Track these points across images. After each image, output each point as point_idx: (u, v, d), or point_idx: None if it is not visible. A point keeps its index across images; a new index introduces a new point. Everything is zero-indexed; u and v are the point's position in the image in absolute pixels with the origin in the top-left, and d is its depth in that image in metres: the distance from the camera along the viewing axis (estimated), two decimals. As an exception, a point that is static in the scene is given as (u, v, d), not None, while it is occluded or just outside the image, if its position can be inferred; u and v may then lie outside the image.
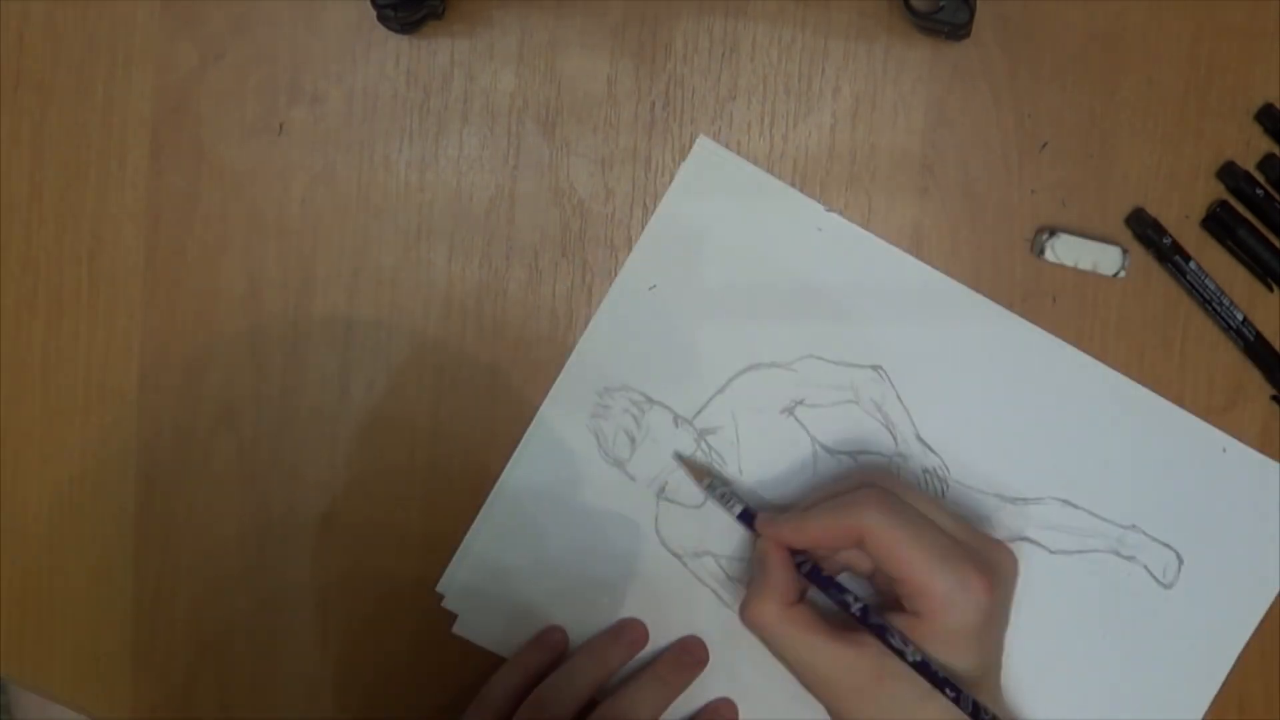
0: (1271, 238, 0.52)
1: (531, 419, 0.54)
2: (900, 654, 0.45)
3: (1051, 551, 0.53)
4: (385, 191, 0.54)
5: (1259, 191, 0.52)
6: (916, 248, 0.53)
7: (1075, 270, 0.52)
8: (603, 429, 0.53)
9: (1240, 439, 0.53)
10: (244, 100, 0.54)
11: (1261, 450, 0.53)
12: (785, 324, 0.53)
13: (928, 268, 0.53)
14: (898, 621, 0.46)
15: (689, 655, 0.53)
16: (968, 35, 0.51)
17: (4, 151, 0.54)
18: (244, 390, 0.54)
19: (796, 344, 0.53)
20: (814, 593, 0.49)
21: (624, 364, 0.53)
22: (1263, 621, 0.53)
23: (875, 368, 0.53)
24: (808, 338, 0.53)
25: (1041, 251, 0.52)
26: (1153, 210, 0.52)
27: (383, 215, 0.54)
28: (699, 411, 0.53)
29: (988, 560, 0.47)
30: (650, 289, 0.53)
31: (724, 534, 0.52)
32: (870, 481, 0.49)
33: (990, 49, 0.52)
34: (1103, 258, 0.52)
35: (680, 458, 0.53)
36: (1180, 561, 0.53)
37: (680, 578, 0.53)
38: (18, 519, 0.55)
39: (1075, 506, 0.53)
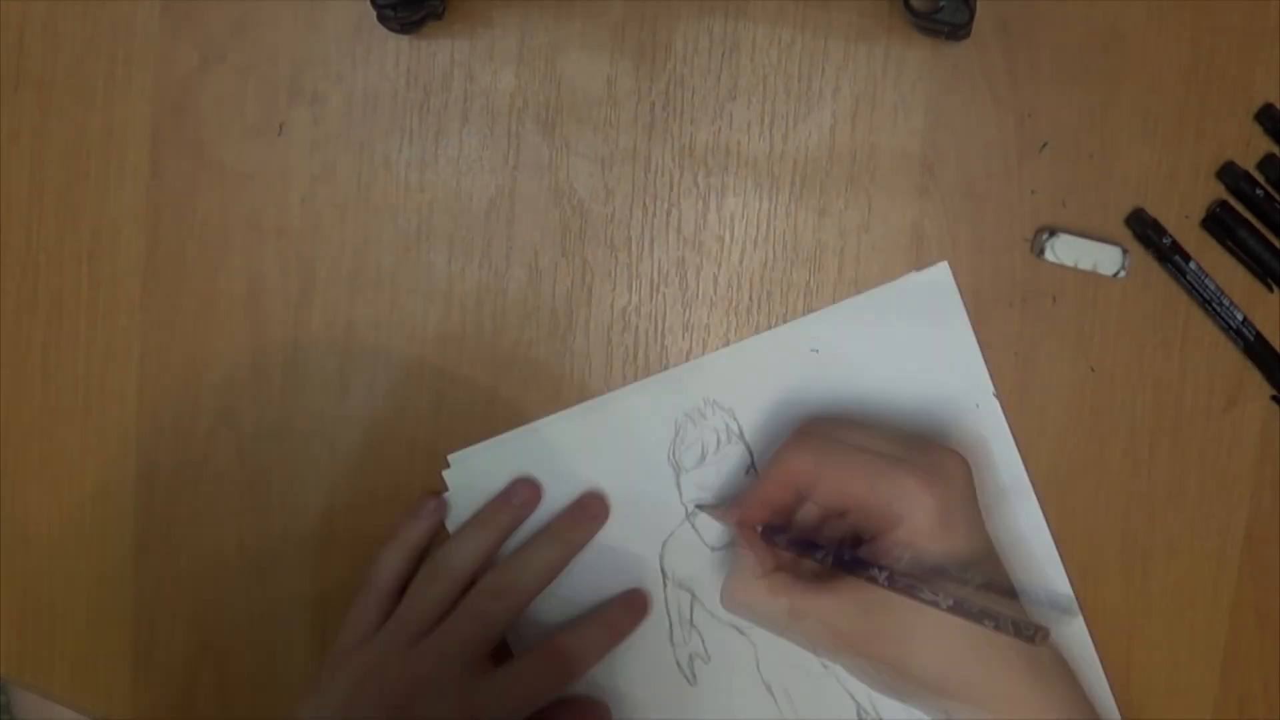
0: (1271, 238, 0.52)
1: (531, 419, 0.54)
2: (872, 580, 0.45)
3: None
4: (385, 191, 0.54)
5: (1259, 191, 0.52)
6: (917, 248, 0.53)
7: (1075, 270, 0.52)
8: (686, 431, 0.53)
9: (1240, 439, 0.53)
10: (244, 100, 0.54)
11: (1259, 454, 0.53)
12: None
13: (1053, 554, 0.53)
14: (864, 551, 0.46)
15: (585, 511, 0.53)
16: (968, 35, 0.51)
17: (4, 151, 0.54)
18: (244, 390, 0.54)
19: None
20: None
21: (744, 394, 0.53)
22: (1263, 619, 0.53)
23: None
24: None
25: (1041, 251, 0.52)
26: (1153, 210, 0.52)
27: (383, 215, 0.54)
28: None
29: (927, 464, 0.46)
30: (812, 351, 0.53)
31: (714, 583, 0.52)
32: (798, 429, 0.49)
33: (990, 49, 0.52)
34: (1103, 258, 0.52)
35: (701, 507, 0.53)
36: None
37: (653, 596, 0.54)
38: (18, 520, 0.55)
39: None
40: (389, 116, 0.54)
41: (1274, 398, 0.53)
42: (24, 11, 0.54)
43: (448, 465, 0.54)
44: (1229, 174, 0.52)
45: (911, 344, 0.53)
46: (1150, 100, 0.52)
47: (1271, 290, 0.53)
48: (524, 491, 0.53)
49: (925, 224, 0.53)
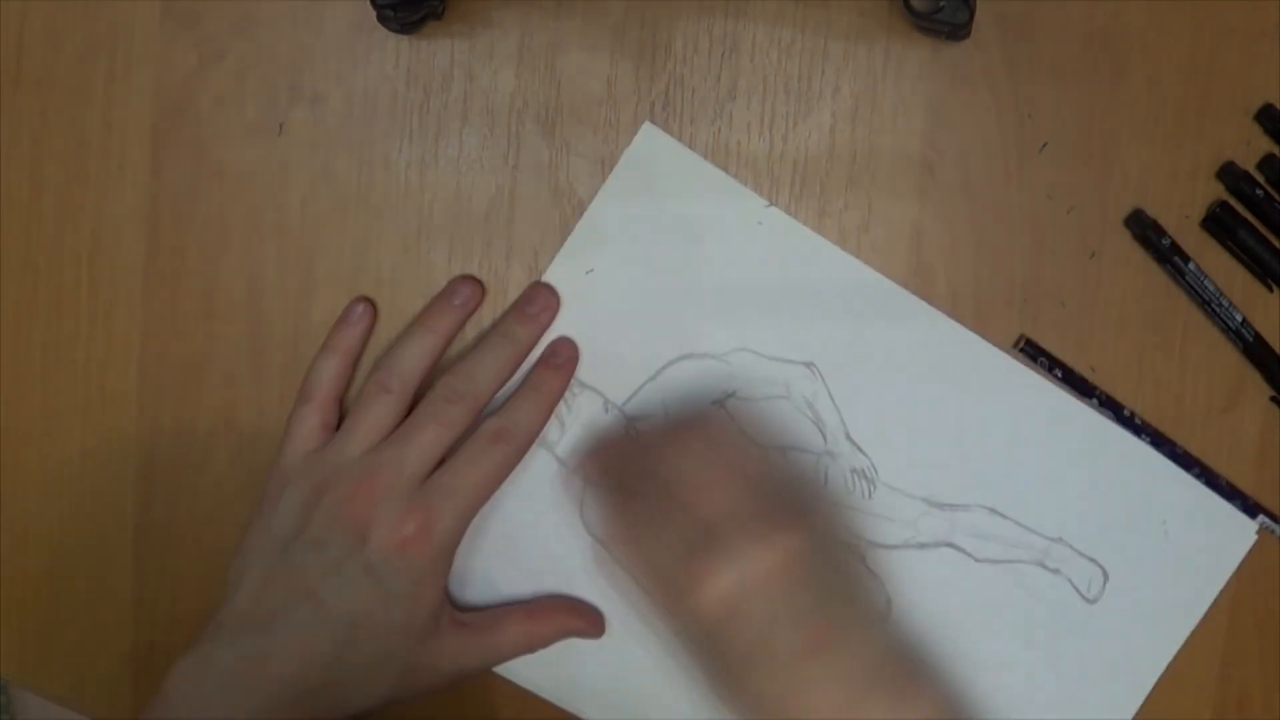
0: (1271, 238, 0.52)
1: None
2: None
3: (976, 560, 0.53)
4: (385, 191, 0.54)
5: (1259, 192, 0.52)
6: (917, 248, 0.53)
7: (1076, 270, 0.52)
8: None
9: (1240, 439, 0.53)
10: (244, 100, 0.54)
11: (1259, 454, 0.53)
12: (720, 316, 0.53)
13: (866, 267, 0.53)
14: None
15: (530, 305, 0.53)
16: (968, 35, 0.51)
17: (4, 151, 0.54)
18: (244, 390, 0.54)
19: (730, 336, 0.53)
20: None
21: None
22: (1263, 619, 0.53)
23: (808, 364, 0.53)
24: (742, 331, 0.53)
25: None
26: (1152, 211, 0.52)
27: (383, 215, 0.54)
28: (630, 398, 0.53)
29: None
30: (588, 273, 0.53)
31: None
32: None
33: (990, 49, 0.52)
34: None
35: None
36: (1105, 577, 0.53)
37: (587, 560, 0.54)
38: (18, 519, 0.55)
39: (1002, 516, 0.53)
40: (389, 116, 0.54)
41: (1274, 399, 0.53)
42: (24, 11, 0.54)
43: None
44: (1229, 174, 0.52)
45: (669, 210, 0.53)
46: (1150, 100, 0.52)
47: (1271, 290, 0.53)
48: (465, 290, 0.53)
49: (925, 224, 0.53)
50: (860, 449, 0.53)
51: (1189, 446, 0.53)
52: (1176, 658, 0.53)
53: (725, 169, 0.53)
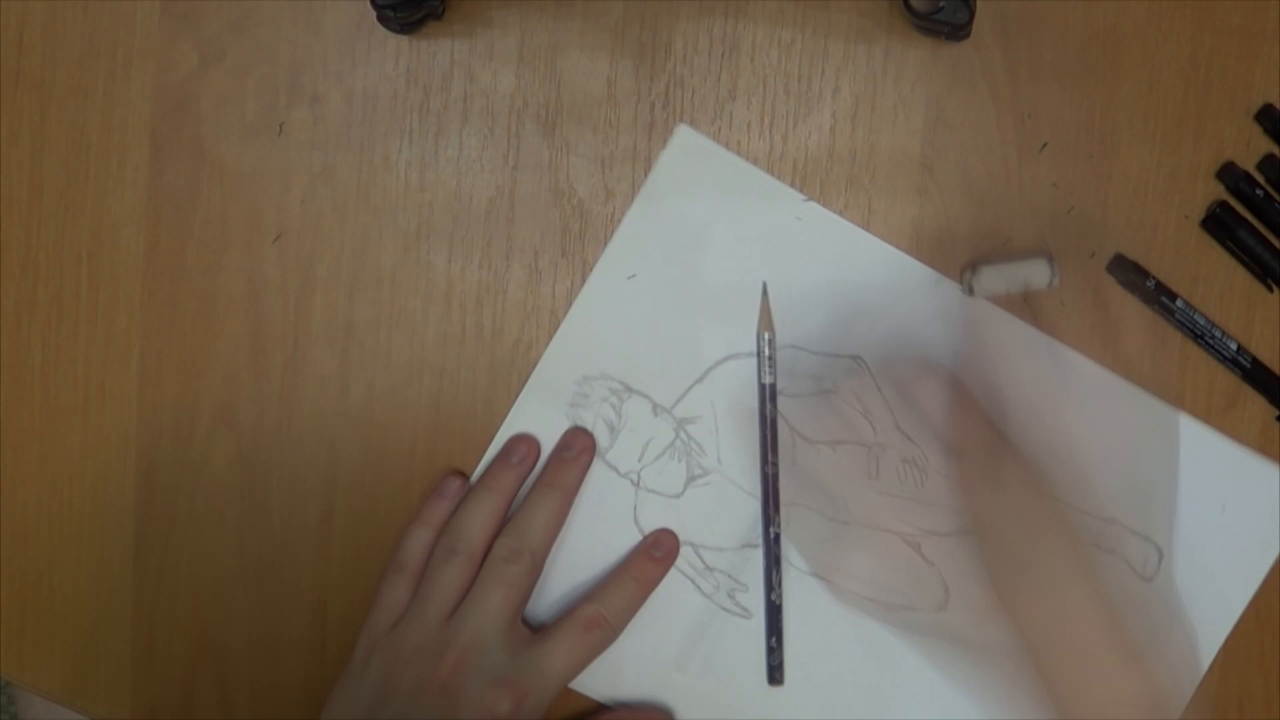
0: (1271, 238, 0.52)
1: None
2: None
3: None
4: (385, 191, 0.54)
5: (1259, 192, 0.52)
6: (916, 248, 0.53)
7: (1076, 270, 0.52)
8: (582, 418, 0.53)
9: (1239, 439, 0.53)
10: (244, 100, 0.54)
11: (1260, 451, 0.53)
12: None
13: (907, 256, 0.53)
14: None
15: (568, 450, 0.53)
16: (967, 35, 0.51)
17: (4, 151, 0.54)
18: (244, 390, 0.54)
19: (776, 333, 0.53)
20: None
21: (603, 353, 0.53)
22: (1263, 619, 0.53)
23: (854, 358, 0.53)
24: (787, 327, 0.53)
25: (971, 291, 0.51)
26: (1152, 210, 0.52)
27: (383, 215, 0.54)
28: (678, 401, 0.53)
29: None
30: (630, 278, 0.53)
31: (702, 523, 0.52)
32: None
33: (990, 49, 0.52)
34: (1031, 274, 0.50)
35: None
36: (1161, 555, 0.53)
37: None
38: (18, 519, 0.55)
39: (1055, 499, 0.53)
40: (389, 116, 0.54)
41: (1279, 419, 0.53)
42: (24, 11, 0.54)
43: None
44: (1229, 174, 0.52)
45: (708, 210, 0.53)
46: (1150, 100, 0.52)
47: (1271, 290, 0.53)
48: (521, 448, 0.53)
49: (925, 224, 0.53)
50: (910, 438, 0.52)
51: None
52: (1176, 658, 0.54)
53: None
